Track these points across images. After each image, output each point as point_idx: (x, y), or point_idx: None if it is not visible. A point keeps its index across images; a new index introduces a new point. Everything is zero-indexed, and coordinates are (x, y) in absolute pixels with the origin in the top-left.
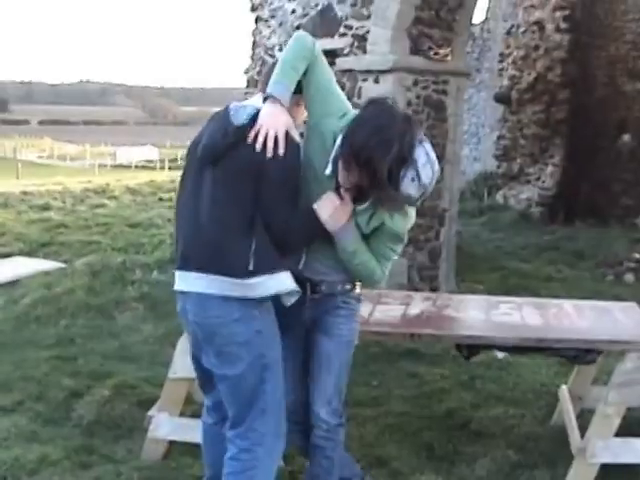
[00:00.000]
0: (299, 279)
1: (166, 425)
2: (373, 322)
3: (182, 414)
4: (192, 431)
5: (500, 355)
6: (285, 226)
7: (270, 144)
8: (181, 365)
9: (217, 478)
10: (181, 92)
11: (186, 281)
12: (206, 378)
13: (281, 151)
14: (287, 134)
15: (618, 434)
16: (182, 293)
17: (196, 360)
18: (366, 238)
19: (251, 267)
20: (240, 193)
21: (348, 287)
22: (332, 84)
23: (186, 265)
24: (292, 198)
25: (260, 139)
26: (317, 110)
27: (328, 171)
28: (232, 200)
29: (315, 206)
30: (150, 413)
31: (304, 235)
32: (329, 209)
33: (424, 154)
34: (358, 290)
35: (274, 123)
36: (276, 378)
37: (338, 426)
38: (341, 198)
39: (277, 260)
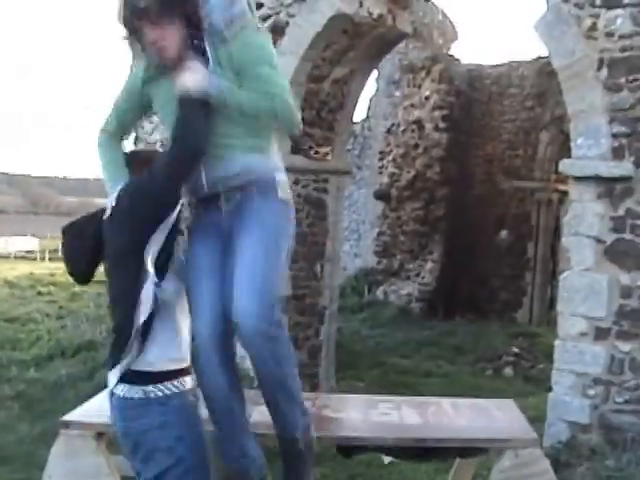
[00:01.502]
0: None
1: None
2: (251, 424)
3: None
4: None
5: (386, 460)
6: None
7: None
8: (55, 469)
9: None
10: (64, 182)
11: None
12: None
13: None
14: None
15: None
16: None
17: None
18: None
19: None
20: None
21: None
22: None
23: None
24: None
25: None
26: None
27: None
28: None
29: (178, 85)
30: None
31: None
32: (188, 76)
33: None
34: (281, 194)
35: None
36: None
37: (274, 339)
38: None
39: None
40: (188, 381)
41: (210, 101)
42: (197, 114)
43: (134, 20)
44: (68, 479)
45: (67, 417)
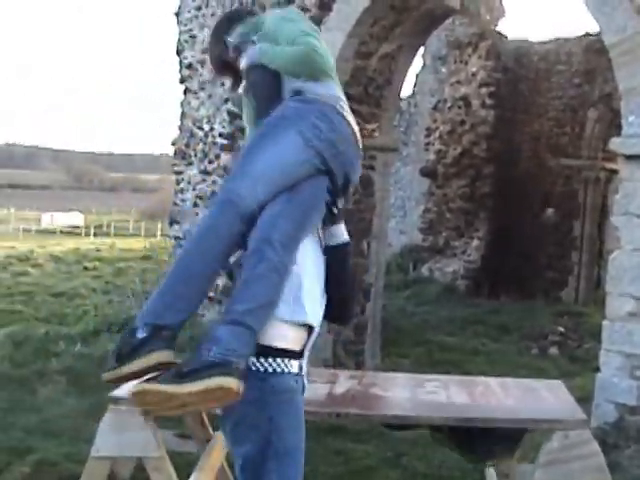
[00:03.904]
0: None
1: None
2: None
3: None
4: None
5: None
6: None
7: None
8: (104, 443)
9: None
10: (108, 158)
11: None
12: None
13: None
14: None
15: None
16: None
17: None
18: None
19: None
20: None
21: None
22: None
23: None
24: None
25: None
26: None
27: None
28: None
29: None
30: None
31: None
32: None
33: None
34: None
35: None
36: (285, 471)
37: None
38: None
39: None
40: (294, 365)
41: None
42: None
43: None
44: (116, 453)
45: (116, 392)
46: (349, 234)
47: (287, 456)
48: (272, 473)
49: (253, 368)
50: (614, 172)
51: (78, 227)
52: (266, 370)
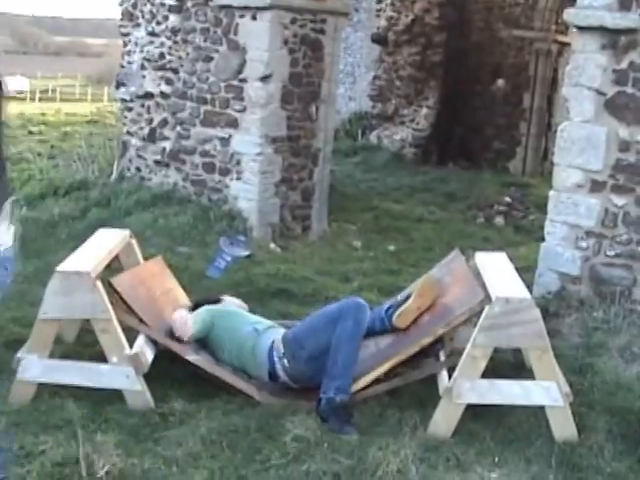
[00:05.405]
0: None
1: (35, 367)
2: None
3: (51, 355)
4: (62, 372)
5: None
6: None
7: None
8: (51, 305)
9: None
10: (53, 21)
11: None
12: None
13: None
14: None
15: (484, 375)
16: None
17: None
18: None
19: None
20: None
21: None
22: None
23: None
24: None
25: None
26: None
27: None
28: None
29: None
30: (19, 355)
31: None
32: None
33: None
34: None
35: None
36: None
37: None
38: None
39: None
40: None
41: None
42: None
43: None
44: (64, 315)
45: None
46: (298, 97)
47: None
48: None
49: None
50: (566, 45)
51: (23, 92)
52: None
